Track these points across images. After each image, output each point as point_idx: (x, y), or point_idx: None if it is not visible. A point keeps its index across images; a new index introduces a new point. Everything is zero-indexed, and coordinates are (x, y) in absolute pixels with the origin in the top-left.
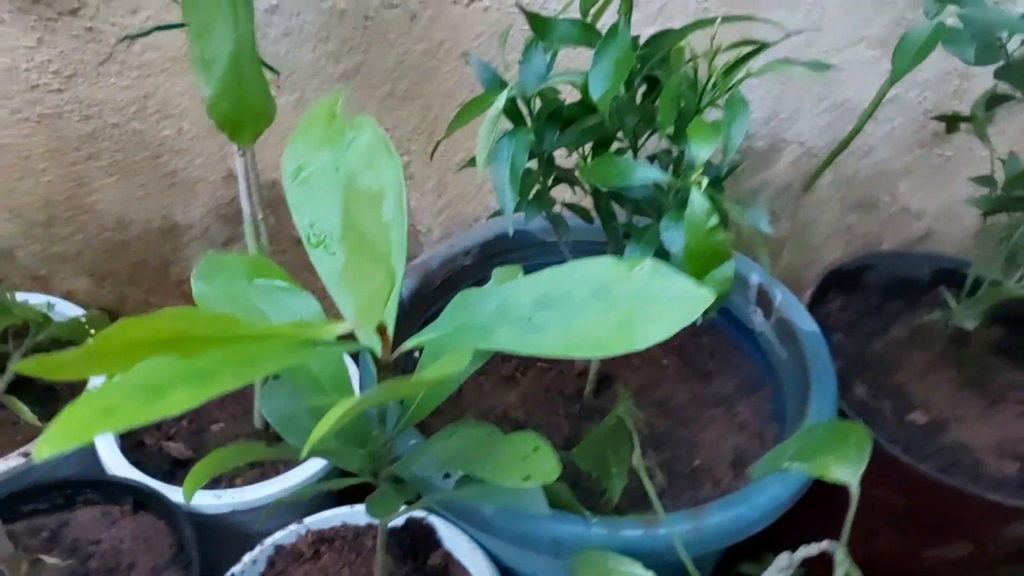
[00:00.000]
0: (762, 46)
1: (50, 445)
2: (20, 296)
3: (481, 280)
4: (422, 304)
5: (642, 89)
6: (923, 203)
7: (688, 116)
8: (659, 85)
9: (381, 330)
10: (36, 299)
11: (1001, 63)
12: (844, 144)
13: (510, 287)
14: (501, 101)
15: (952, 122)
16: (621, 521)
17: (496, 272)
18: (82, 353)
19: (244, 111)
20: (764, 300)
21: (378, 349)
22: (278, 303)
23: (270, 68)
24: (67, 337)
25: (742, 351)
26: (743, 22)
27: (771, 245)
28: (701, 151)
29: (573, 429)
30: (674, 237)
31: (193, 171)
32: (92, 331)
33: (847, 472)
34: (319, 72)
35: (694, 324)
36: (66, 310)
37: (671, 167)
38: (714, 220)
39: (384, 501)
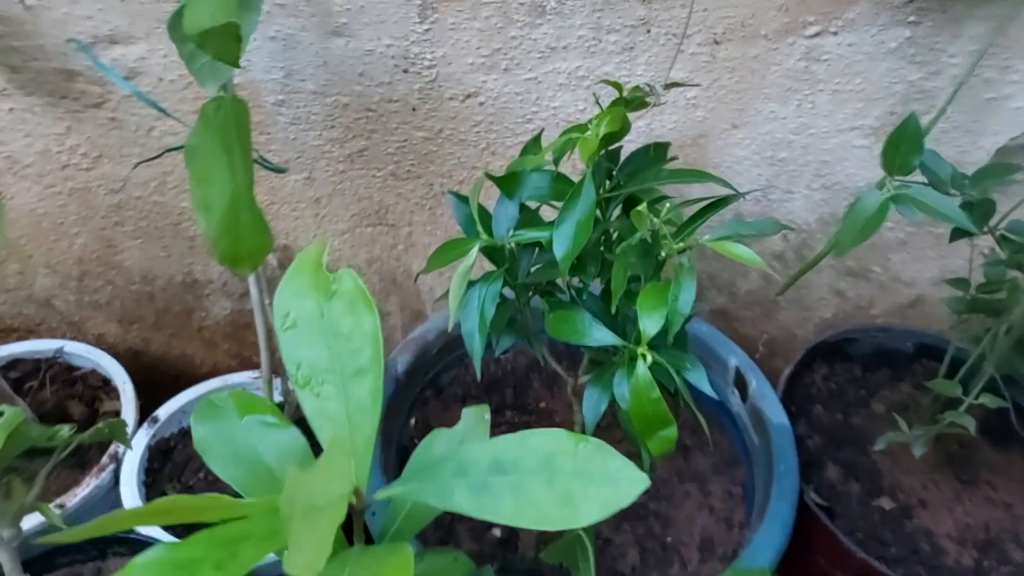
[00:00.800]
0: (721, 200)
1: None
2: (54, 342)
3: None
4: (420, 372)
5: (607, 233)
6: (915, 274)
7: (647, 274)
8: (619, 240)
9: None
10: (44, 345)
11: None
12: (811, 264)
13: (469, 449)
14: (471, 257)
15: None
16: None
17: (466, 413)
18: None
19: (241, 248)
20: (741, 383)
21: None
22: (268, 439)
23: (273, 168)
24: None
25: (720, 427)
26: (701, 183)
27: (767, 304)
28: (649, 323)
29: None
30: (624, 393)
31: None
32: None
33: None
34: (325, 155)
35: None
36: (81, 351)
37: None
38: (655, 393)
39: None
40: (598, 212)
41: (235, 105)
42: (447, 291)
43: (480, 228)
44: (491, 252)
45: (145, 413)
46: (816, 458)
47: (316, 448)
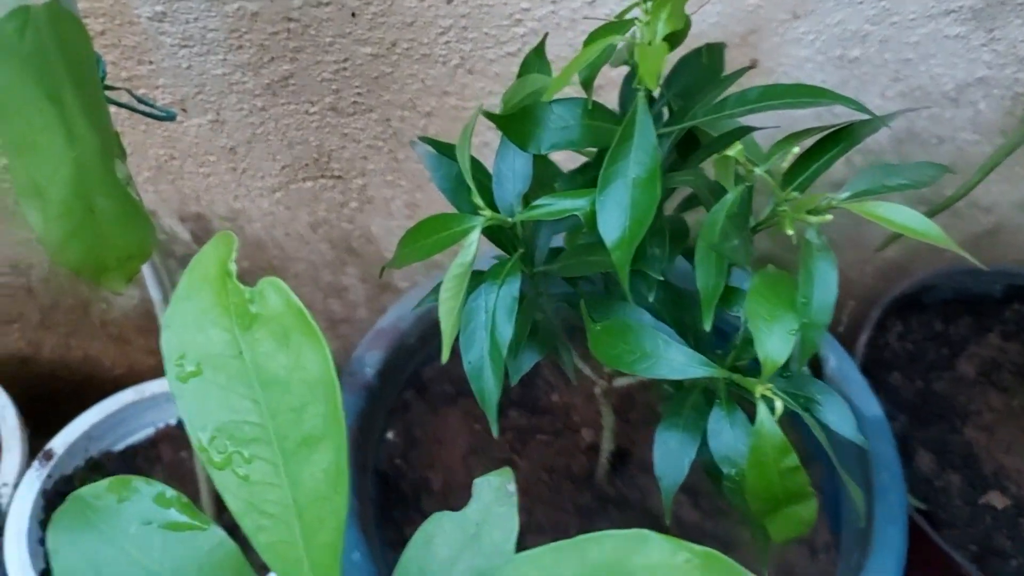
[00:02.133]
0: (848, 129)
1: None
2: None
3: None
4: (397, 370)
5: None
6: (996, 197)
7: (741, 257)
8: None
9: None
10: None
11: None
12: (956, 197)
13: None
14: (470, 249)
15: None
16: None
17: (480, 486)
18: None
19: (104, 253)
20: (814, 361)
21: None
22: (175, 555)
23: (157, 115)
24: None
25: (789, 420)
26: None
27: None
28: (772, 342)
29: (585, 527)
30: (728, 450)
31: None
32: None
33: None
34: (235, 87)
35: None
36: None
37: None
38: (791, 460)
39: None
40: None
41: (55, 21)
42: (432, 288)
43: (478, 197)
44: (494, 231)
45: (40, 441)
46: (903, 443)
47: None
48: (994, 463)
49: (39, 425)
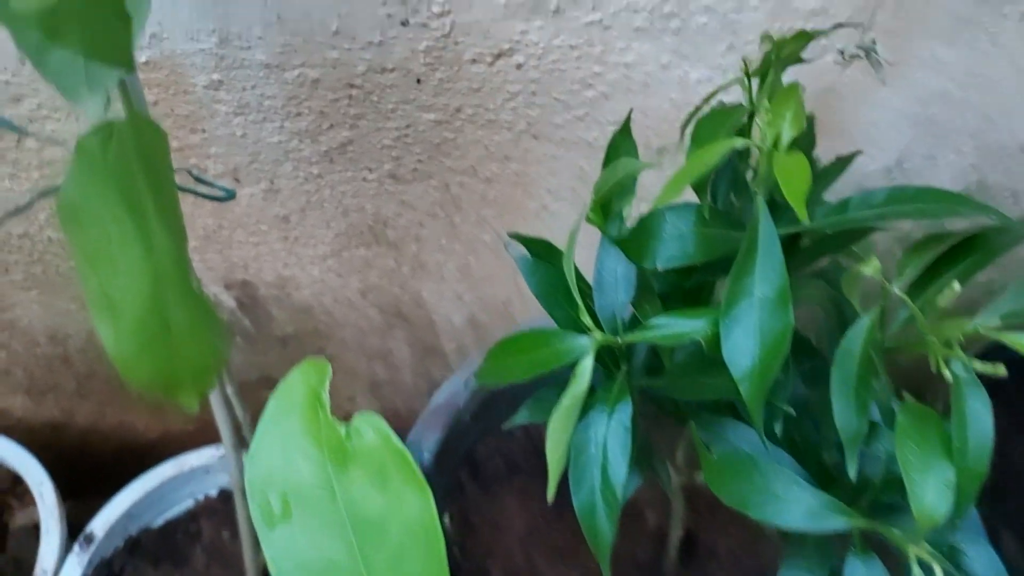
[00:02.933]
0: (982, 238)
1: None
2: None
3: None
4: (453, 450)
5: None
6: None
7: (885, 411)
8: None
9: None
10: None
11: None
12: None
13: None
14: (582, 380)
15: None
16: None
17: None
18: None
19: (177, 368)
20: None
21: None
22: None
23: (219, 196)
24: None
25: None
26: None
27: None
28: (927, 492)
29: None
30: None
31: None
32: None
33: None
34: (291, 155)
35: None
36: None
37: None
38: None
39: None
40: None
41: (138, 132)
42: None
43: (586, 316)
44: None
45: (78, 517)
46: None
47: None
48: None
49: (72, 491)
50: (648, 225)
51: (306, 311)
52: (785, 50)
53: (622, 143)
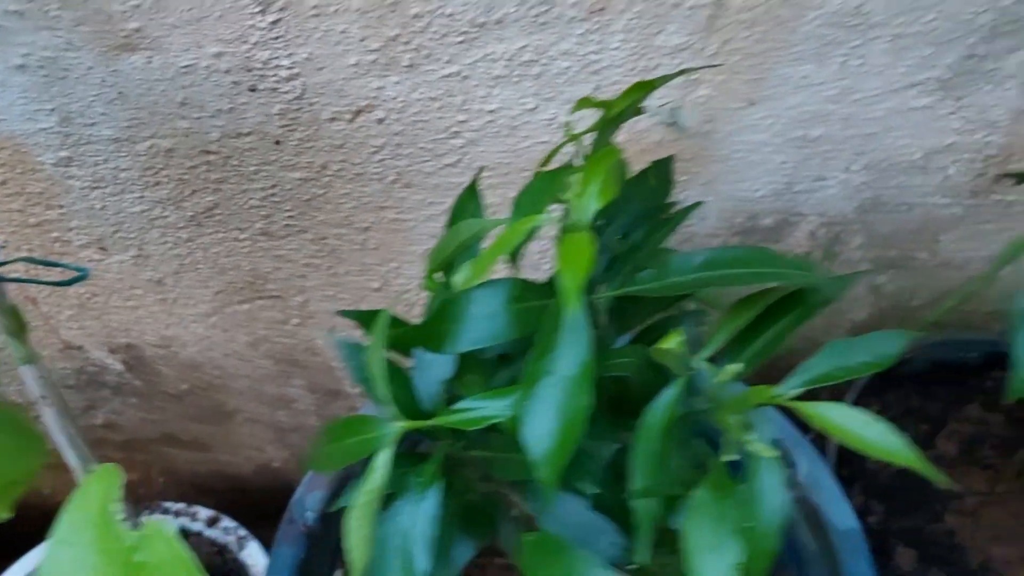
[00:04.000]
0: (799, 298)
1: None
2: None
3: None
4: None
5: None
6: (970, 253)
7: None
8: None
9: None
10: None
11: None
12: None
13: None
14: (379, 471)
15: None
16: None
17: None
18: None
19: None
20: (785, 462)
21: None
22: None
23: (68, 282)
24: None
25: None
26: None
27: None
28: (710, 570)
29: None
30: None
31: None
32: None
33: None
34: (156, 222)
35: None
36: None
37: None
38: None
39: None
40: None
41: None
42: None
43: (391, 404)
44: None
45: None
46: (880, 539)
47: None
48: (981, 554)
49: None
50: (449, 310)
51: (196, 367)
52: (614, 109)
53: (468, 203)
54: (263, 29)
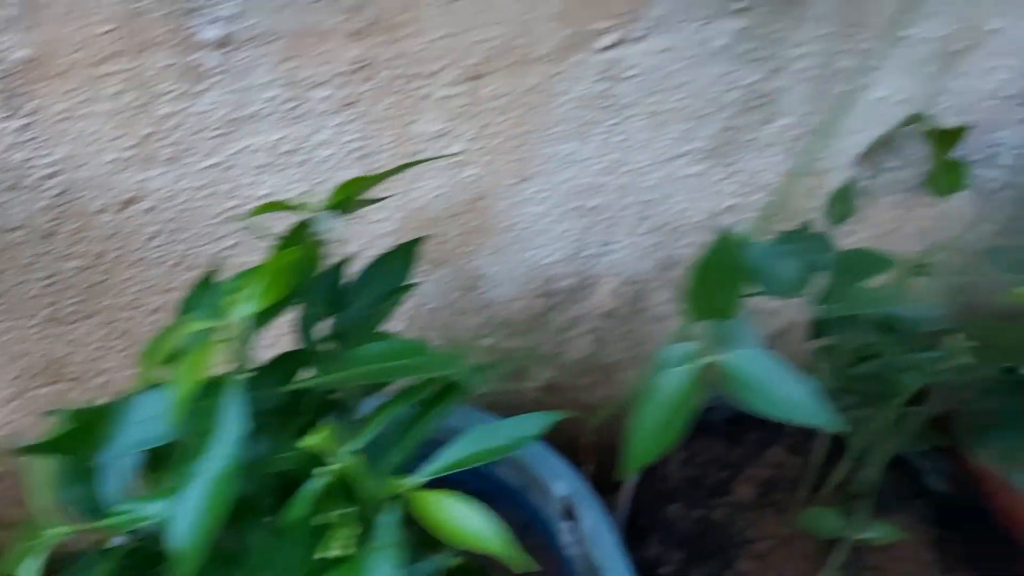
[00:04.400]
0: (443, 394)
1: None
2: None
3: None
4: None
5: None
6: (775, 304)
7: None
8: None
9: None
10: None
11: None
12: None
13: None
14: None
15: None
16: None
17: None
18: None
19: None
20: (572, 515)
21: None
22: None
23: None
24: None
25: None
26: None
27: (604, 368)
28: None
29: None
30: None
31: None
32: None
33: None
34: None
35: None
36: None
37: None
38: None
39: None
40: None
41: None
42: None
43: (46, 513)
44: None
45: None
46: None
47: None
48: None
49: None
50: (109, 417)
51: (5, 451)
52: (309, 208)
53: (199, 298)
54: (14, 132)
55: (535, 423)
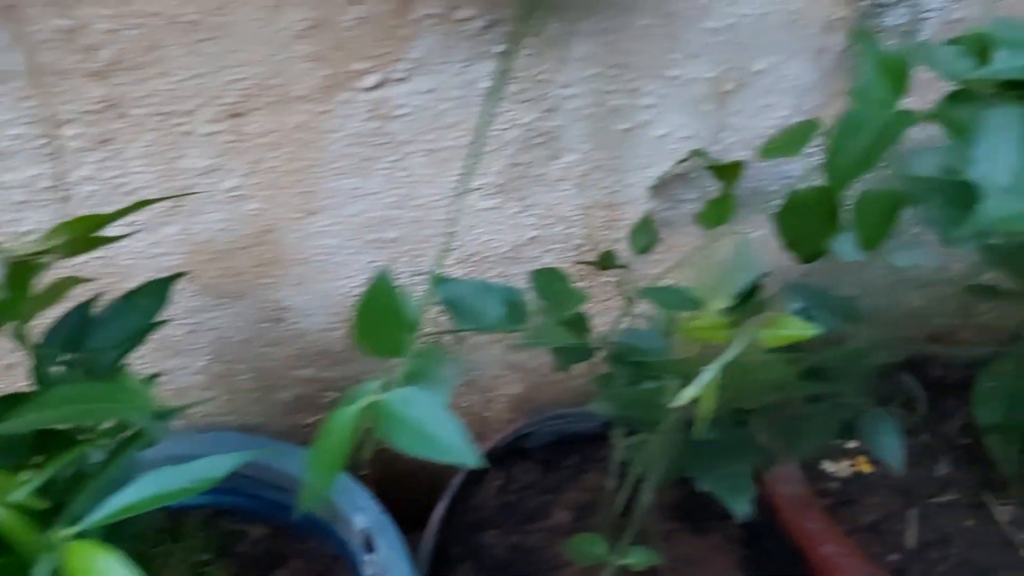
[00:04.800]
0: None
1: None
2: None
3: None
4: None
5: None
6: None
7: None
8: None
9: None
10: None
11: None
12: None
13: None
14: None
15: (606, 263)
16: None
17: None
18: None
19: None
20: (372, 547)
21: None
22: None
23: None
24: None
25: None
26: None
27: None
28: None
29: None
30: None
31: None
32: None
33: None
34: None
35: None
36: None
37: None
38: None
39: None
40: None
41: None
42: None
43: None
44: None
45: None
46: None
47: None
48: None
49: None
50: None
51: None
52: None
53: None
54: None
55: (223, 464)
